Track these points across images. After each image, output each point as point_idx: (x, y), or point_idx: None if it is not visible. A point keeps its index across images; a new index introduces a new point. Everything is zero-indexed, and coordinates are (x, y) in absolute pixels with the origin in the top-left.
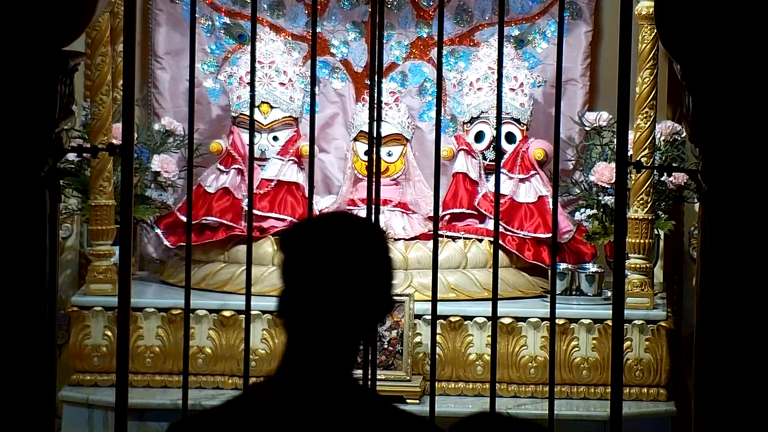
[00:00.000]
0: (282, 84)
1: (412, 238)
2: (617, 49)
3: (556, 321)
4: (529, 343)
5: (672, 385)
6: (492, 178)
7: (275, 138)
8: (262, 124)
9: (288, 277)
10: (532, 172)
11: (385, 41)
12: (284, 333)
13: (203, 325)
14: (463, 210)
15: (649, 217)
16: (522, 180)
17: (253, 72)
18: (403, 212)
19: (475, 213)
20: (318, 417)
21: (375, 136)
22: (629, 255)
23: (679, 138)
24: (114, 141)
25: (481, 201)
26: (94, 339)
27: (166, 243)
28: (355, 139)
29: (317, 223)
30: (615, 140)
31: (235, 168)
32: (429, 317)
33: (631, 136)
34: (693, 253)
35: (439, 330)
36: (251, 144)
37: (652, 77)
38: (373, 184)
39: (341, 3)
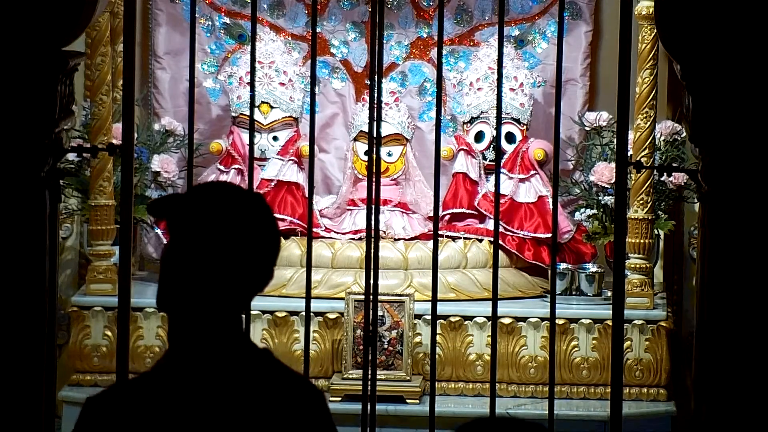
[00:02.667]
0: (282, 84)
1: (412, 238)
2: (617, 49)
3: (556, 321)
4: (529, 343)
5: (672, 385)
6: (492, 178)
7: (275, 138)
8: (262, 124)
9: (169, 246)
10: (532, 172)
11: (385, 41)
12: (168, 302)
13: None
14: (463, 210)
15: (649, 217)
16: (522, 180)
17: (253, 72)
18: (403, 212)
19: (475, 213)
20: (210, 378)
21: (375, 136)
22: (629, 255)
23: (679, 138)
24: (114, 141)
25: (481, 201)
26: (94, 339)
27: (166, 243)
28: (355, 139)
29: (197, 192)
30: (615, 140)
31: (235, 168)
32: (429, 317)
33: (631, 136)
34: (693, 253)
35: (439, 330)
36: (251, 144)
37: (652, 77)
38: (373, 184)
39: (341, 3)
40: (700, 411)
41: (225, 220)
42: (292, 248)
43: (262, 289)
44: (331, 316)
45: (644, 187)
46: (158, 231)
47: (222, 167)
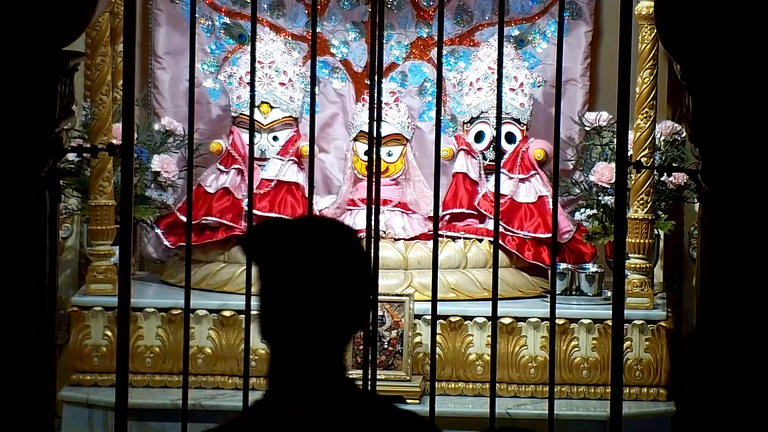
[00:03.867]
0: (282, 84)
1: (412, 238)
2: (617, 49)
3: (556, 321)
4: (529, 343)
5: (672, 385)
6: (492, 178)
7: (275, 138)
8: (262, 124)
9: (263, 282)
10: (532, 172)
11: (385, 41)
12: (268, 348)
13: (203, 325)
14: (463, 210)
15: (649, 217)
16: (522, 180)
17: (253, 72)
18: (403, 212)
19: (475, 213)
20: None
21: (375, 136)
22: (629, 255)
23: (679, 138)
24: (114, 141)
25: (481, 201)
26: (94, 339)
27: (166, 243)
28: (355, 139)
29: (282, 228)
30: (615, 140)
31: (235, 168)
32: (429, 317)
33: (631, 136)
34: (693, 253)
35: (439, 330)
36: (251, 144)
37: (652, 77)
38: (373, 184)
39: (341, 3)
40: (699, 411)
41: (331, 255)
42: None
43: (360, 327)
44: None
45: (644, 187)
46: (158, 231)
47: (222, 167)
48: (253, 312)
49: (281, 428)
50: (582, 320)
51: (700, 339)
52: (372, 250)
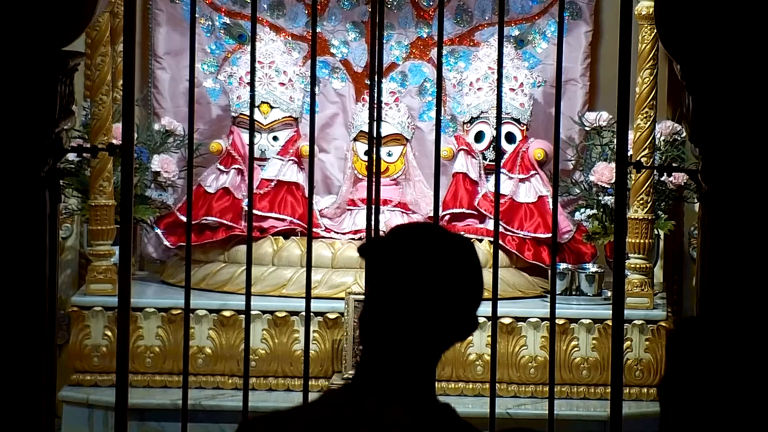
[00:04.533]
0: (282, 84)
1: None
2: (617, 49)
3: (556, 321)
4: (529, 343)
5: None
6: (492, 178)
7: (275, 138)
8: (262, 124)
9: (372, 285)
10: (532, 172)
11: (385, 41)
12: (363, 341)
13: (203, 325)
14: (463, 210)
15: (649, 217)
16: (522, 180)
17: (253, 72)
18: (403, 212)
19: (475, 213)
20: None
21: (375, 136)
22: (629, 255)
23: (679, 138)
24: (114, 141)
25: (481, 201)
26: (94, 339)
27: (166, 243)
28: (355, 139)
29: (404, 233)
30: (615, 140)
31: (235, 168)
32: None
33: (631, 136)
34: (693, 253)
35: None
36: (251, 144)
37: (652, 77)
38: (373, 184)
39: (341, 3)
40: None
41: (446, 264)
42: (292, 248)
43: (465, 337)
44: (331, 316)
45: (644, 187)
46: (158, 231)
47: (222, 167)
48: (253, 312)
49: (357, 419)
50: (582, 320)
51: (681, 340)
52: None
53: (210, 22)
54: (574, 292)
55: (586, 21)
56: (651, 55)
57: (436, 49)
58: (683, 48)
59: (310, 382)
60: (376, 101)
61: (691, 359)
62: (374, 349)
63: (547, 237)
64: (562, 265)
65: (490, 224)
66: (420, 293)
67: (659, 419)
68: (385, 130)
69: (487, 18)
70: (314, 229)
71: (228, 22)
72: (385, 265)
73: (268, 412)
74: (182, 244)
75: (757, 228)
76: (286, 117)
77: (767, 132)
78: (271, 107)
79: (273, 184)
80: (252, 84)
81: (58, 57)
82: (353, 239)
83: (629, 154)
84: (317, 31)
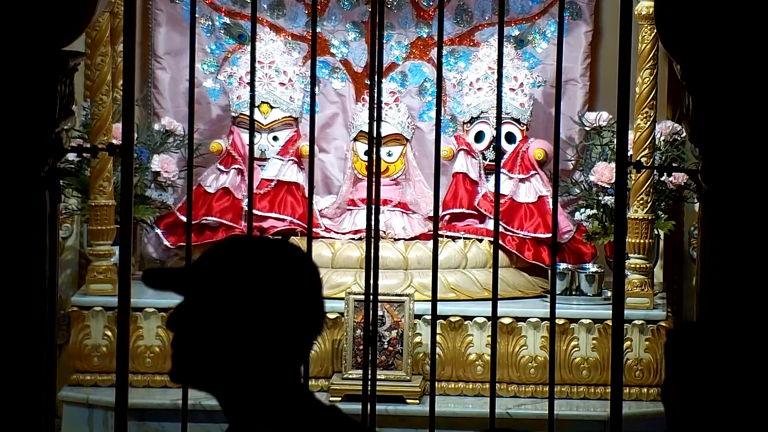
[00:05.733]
0: (282, 84)
1: (412, 238)
2: (617, 49)
3: (556, 321)
4: (529, 343)
5: None
6: (492, 178)
7: (275, 138)
8: (262, 124)
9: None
10: (532, 172)
11: (385, 41)
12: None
13: None
14: (463, 210)
15: (649, 217)
16: (522, 180)
17: (253, 72)
18: (403, 212)
19: (475, 213)
20: None
21: (375, 136)
22: (629, 255)
23: (679, 138)
24: (114, 141)
25: (481, 201)
26: (94, 339)
27: (166, 243)
28: (355, 139)
29: (222, 253)
30: (615, 140)
31: (235, 168)
32: (429, 317)
33: (631, 136)
34: (693, 253)
35: (439, 330)
36: (251, 144)
37: (652, 77)
38: (373, 184)
39: (341, 3)
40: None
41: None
42: None
43: (320, 332)
44: (331, 316)
45: (644, 187)
46: (158, 231)
47: (222, 167)
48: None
49: None
50: (582, 320)
51: (679, 342)
52: (372, 250)
53: (210, 22)
54: (574, 292)
55: (586, 21)
56: (651, 55)
57: (436, 49)
58: (683, 48)
59: (310, 382)
60: (376, 101)
61: (691, 363)
62: (225, 388)
63: (547, 237)
64: (562, 265)
65: (490, 224)
66: (237, 305)
67: (666, 422)
68: (385, 130)
69: (487, 18)
70: (314, 229)
71: (228, 22)
72: (202, 289)
73: None
74: (182, 244)
75: (757, 228)
76: (286, 117)
77: (767, 132)
78: (271, 107)
79: (273, 184)
80: (252, 84)
81: (58, 57)
82: (353, 239)
83: (629, 154)
84: (317, 31)
